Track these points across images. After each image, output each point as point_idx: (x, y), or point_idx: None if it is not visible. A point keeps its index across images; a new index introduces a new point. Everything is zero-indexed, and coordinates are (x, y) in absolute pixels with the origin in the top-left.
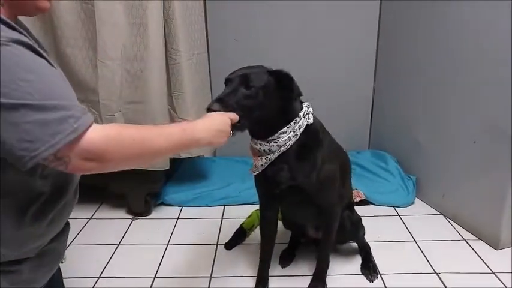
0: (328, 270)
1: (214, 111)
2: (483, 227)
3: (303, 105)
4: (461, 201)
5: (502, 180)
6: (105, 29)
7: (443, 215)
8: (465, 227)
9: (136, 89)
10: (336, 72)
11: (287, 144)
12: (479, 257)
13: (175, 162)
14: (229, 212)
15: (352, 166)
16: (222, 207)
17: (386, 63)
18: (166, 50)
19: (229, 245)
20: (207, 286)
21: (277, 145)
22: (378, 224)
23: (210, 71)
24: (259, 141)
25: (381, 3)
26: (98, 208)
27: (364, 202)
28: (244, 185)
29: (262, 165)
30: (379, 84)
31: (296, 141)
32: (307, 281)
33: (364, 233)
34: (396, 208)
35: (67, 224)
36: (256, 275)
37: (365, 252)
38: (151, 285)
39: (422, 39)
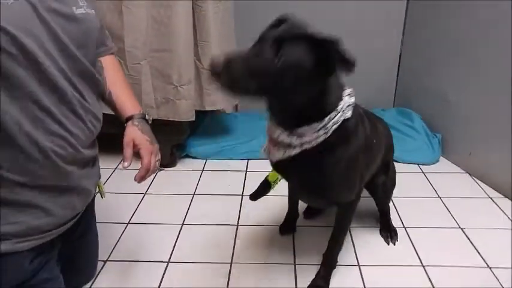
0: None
1: (214, 66)
2: (509, 185)
3: (345, 94)
4: (487, 160)
5: None
6: None
7: (469, 174)
8: (491, 185)
9: (162, 37)
10: (364, 26)
11: (312, 142)
12: (504, 213)
13: (198, 116)
14: (253, 166)
15: None
16: (246, 160)
17: (415, 19)
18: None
19: (254, 196)
20: (234, 233)
21: (300, 142)
22: (402, 180)
23: (234, 22)
24: (279, 129)
25: None
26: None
27: None
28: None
29: (279, 158)
30: (407, 41)
31: (324, 140)
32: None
33: (390, 200)
34: (421, 166)
35: (93, 162)
36: (280, 223)
37: (385, 216)
38: (179, 232)
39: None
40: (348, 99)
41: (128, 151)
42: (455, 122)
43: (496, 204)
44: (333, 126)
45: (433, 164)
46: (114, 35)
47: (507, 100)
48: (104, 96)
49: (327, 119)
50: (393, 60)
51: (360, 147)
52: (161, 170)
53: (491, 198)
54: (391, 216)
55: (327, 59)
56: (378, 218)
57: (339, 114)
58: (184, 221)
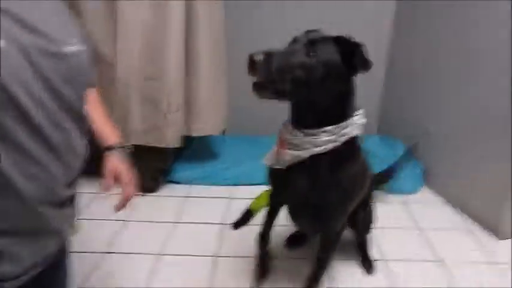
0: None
1: (254, 61)
2: (487, 217)
3: (357, 112)
4: (467, 191)
5: (506, 172)
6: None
7: (450, 203)
8: (470, 216)
9: (154, 64)
10: None
11: (323, 147)
12: (482, 246)
13: (185, 139)
14: (237, 192)
15: None
16: (231, 186)
17: (400, 50)
18: (186, 28)
19: (236, 225)
20: (213, 265)
21: (314, 144)
22: (383, 210)
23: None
24: (295, 131)
25: None
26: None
27: None
28: (254, 165)
29: (288, 160)
30: (391, 70)
31: (333, 150)
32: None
33: (369, 232)
34: (403, 195)
35: (70, 201)
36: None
37: (364, 247)
38: (157, 262)
39: (437, 29)
40: (359, 118)
41: (109, 181)
42: (436, 152)
43: (475, 235)
44: (344, 136)
45: (415, 193)
46: (106, 62)
47: (487, 132)
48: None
49: (342, 124)
50: (377, 88)
51: (360, 168)
52: (144, 195)
53: (469, 230)
54: (371, 248)
55: (351, 59)
56: (357, 250)
57: (351, 127)
58: (163, 251)
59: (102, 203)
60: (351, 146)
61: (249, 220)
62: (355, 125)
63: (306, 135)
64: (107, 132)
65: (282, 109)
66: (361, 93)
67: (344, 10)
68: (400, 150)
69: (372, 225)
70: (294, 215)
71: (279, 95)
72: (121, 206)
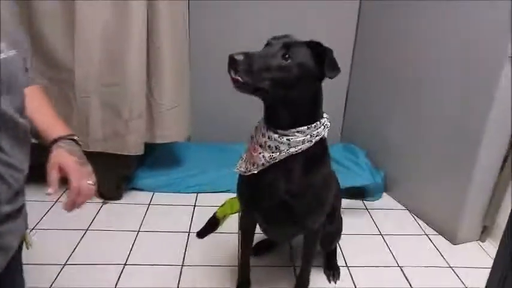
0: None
1: (235, 61)
2: (443, 223)
3: (325, 115)
4: (425, 198)
5: (462, 180)
6: (85, 7)
7: (408, 210)
8: (427, 222)
9: (114, 71)
10: None
11: (299, 147)
12: (439, 251)
13: (148, 146)
14: (202, 200)
15: None
16: (195, 194)
17: (362, 59)
18: (148, 33)
19: (201, 234)
20: (178, 275)
21: (289, 144)
22: (346, 216)
23: (189, 57)
24: (269, 132)
25: (360, 2)
26: (66, 190)
27: None
28: (219, 173)
29: (263, 164)
30: (354, 80)
31: (306, 150)
32: (282, 271)
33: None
34: (365, 202)
35: (15, 215)
36: (227, 264)
37: (330, 255)
38: (120, 273)
39: (398, 39)
40: (326, 120)
41: (52, 175)
42: (396, 160)
43: (432, 241)
44: (316, 137)
45: (376, 200)
46: (65, 68)
47: (445, 140)
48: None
49: (313, 125)
50: (340, 96)
51: (331, 169)
52: (106, 203)
53: (427, 235)
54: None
55: (322, 62)
56: (323, 257)
57: (322, 128)
58: (126, 261)
59: (61, 211)
60: (322, 146)
61: (214, 228)
62: (326, 126)
63: (281, 136)
64: (52, 126)
65: (246, 117)
66: (326, 101)
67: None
68: (361, 159)
69: (338, 239)
70: (267, 222)
71: (257, 91)
72: (70, 203)
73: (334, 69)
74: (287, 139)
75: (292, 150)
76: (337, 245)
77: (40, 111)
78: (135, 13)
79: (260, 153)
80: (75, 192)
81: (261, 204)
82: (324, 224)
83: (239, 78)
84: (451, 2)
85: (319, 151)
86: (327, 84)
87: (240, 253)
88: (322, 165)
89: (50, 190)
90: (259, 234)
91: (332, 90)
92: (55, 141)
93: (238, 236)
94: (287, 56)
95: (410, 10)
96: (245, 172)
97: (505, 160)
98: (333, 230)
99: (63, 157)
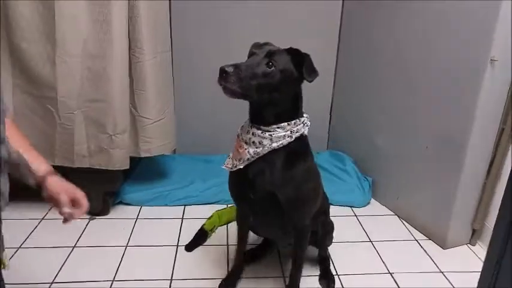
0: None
1: (226, 72)
2: (432, 228)
3: (304, 115)
4: (413, 203)
5: (450, 184)
6: (65, 24)
7: (397, 216)
8: (416, 227)
9: (97, 87)
10: None
11: (280, 142)
12: (429, 256)
13: (134, 160)
14: (190, 212)
15: None
16: (183, 207)
17: (346, 66)
18: (130, 48)
19: (189, 247)
20: None
21: (271, 139)
22: (336, 224)
23: (173, 70)
24: (253, 129)
25: (342, 9)
26: (52, 208)
27: None
28: (206, 185)
29: (248, 159)
30: (339, 87)
31: (287, 146)
32: (272, 282)
33: (330, 243)
34: (353, 209)
35: None
36: (216, 276)
37: (325, 263)
38: None
39: (381, 46)
40: (306, 119)
41: (64, 198)
42: (384, 166)
43: (421, 246)
44: (296, 133)
45: (364, 206)
46: (46, 84)
47: (432, 146)
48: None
49: (293, 122)
50: (326, 104)
51: (314, 164)
52: (93, 219)
53: (417, 241)
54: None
55: (301, 67)
56: (317, 266)
57: (302, 125)
58: (114, 277)
59: (47, 229)
60: (303, 142)
61: (203, 241)
62: (305, 124)
63: (264, 131)
64: (35, 162)
65: (231, 129)
66: (312, 110)
67: (290, 31)
68: (348, 166)
69: (332, 236)
70: (256, 215)
71: (246, 97)
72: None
73: (312, 72)
74: (269, 134)
75: (275, 145)
76: (329, 254)
77: (17, 144)
78: (116, 29)
79: (246, 149)
80: (85, 210)
81: (248, 195)
82: (310, 222)
83: (230, 87)
84: (434, 7)
85: (300, 147)
86: (312, 93)
87: (237, 247)
88: (304, 159)
89: (67, 210)
90: (249, 246)
91: (317, 98)
92: (44, 177)
93: (227, 248)
94: (271, 63)
95: (393, 16)
96: (231, 168)
97: (491, 163)
98: (328, 226)
99: (66, 183)
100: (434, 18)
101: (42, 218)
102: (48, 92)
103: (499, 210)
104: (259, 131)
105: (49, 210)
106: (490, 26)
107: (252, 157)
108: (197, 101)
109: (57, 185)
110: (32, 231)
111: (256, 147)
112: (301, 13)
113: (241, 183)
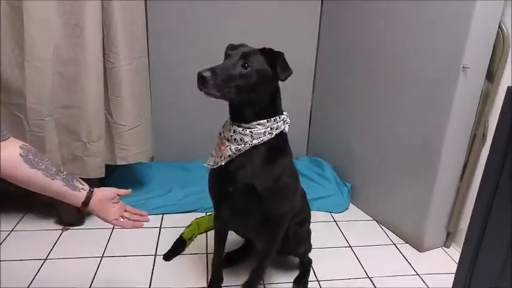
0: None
1: (204, 77)
2: (410, 232)
3: (284, 113)
4: (391, 208)
5: (426, 189)
6: (34, 27)
7: (376, 221)
8: (394, 232)
9: (70, 93)
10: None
11: (260, 138)
12: (406, 260)
13: (110, 168)
14: (168, 221)
15: None
16: (161, 215)
17: (325, 72)
18: (104, 53)
19: (168, 256)
20: None
21: (251, 136)
22: (315, 229)
23: (149, 76)
24: (234, 127)
25: (321, 12)
26: (22, 218)
27: None
28: (184, 192)
29: (230, 155)
30: (318, 93)
31: (267, 142)
32: None
33: (309, 251)
34: (332, 214)
35: None
36: (196, 285)
37: (304, 269)
38: None
39: (359, 51)
40: (286, 117)
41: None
42: (362, 172)
43: (399, 250)
44: (276, 129)
45: (343, 211)
46: (14, 90)
47: (408, 151)
48: None
49: (272, 119)
50: (305, 110)
51: (292, 163)
52: (67, 229)
53: (394, 244)
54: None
55: (276, 66)
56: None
57: (281, 122)
58: None
59: (16, 241)
60: (282, 139)
61: (181, 250)
62: (285, 121)
63: (244, 129)
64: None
65: (208, 135)
66: (291, 115)
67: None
68: (327, 171)
69: (310, 244)
70: (234, 211)
71: (225, 98)
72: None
73: (286, 70)
74: (250, 131)
75: (255, 141)
76: (311, 261)
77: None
78: (89, 33)
79: (227, 146)
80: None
81: (227, 189)
82: (285, 226)
83: (210, 92)
84: (407, 16)
85: (280, 144)
86: (291, 98)
87: (214, 252)
88: (283, 156)
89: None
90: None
91: (297, 104)
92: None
93: (207, 257)
94: (246, 64)
95: (368, 25)
96: (213, 166)
97: (464, 167)
98: (302, 232)
99: (108, 195)
100: (411, 28)
101: (12, 230)
102: (17, 98)
103: (472, 213)
104: (240, 129)
105: (19, 221)
106: (462, 35)
107: (234, 154)
108: (174, 107)
109: (112, 192)
110: (1, 243)
111: (238, 144)
112: (280, 16)
113: (222, 178)
